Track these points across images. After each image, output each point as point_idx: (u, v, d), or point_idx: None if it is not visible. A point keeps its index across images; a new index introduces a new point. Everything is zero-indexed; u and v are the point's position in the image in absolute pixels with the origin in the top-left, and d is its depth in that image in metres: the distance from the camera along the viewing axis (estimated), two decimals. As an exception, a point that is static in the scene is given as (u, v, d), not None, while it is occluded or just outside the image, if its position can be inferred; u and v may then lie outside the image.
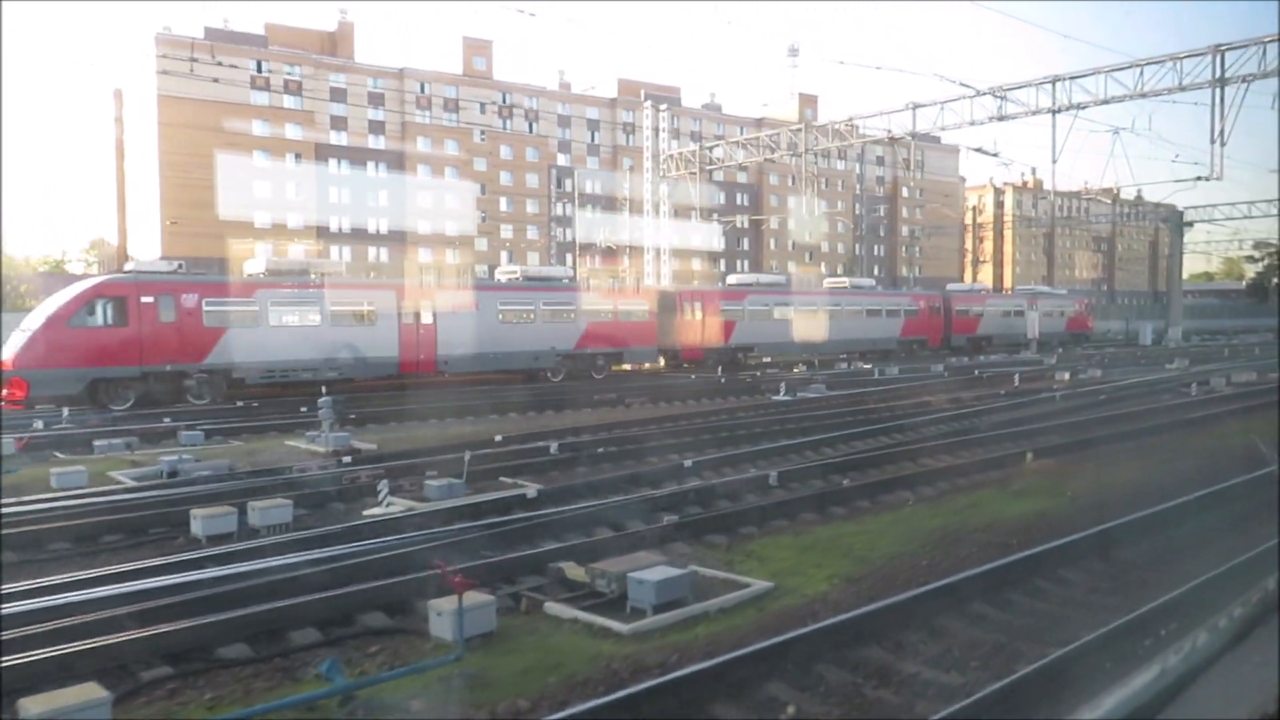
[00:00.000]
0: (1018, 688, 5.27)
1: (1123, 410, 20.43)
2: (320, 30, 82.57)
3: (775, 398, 24.62)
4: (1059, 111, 28.96)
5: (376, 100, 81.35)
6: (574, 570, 8.06)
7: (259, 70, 76.05)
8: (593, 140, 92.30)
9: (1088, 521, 10.15)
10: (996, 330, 47.50)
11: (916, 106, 32.27)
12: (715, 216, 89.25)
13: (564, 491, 11.69)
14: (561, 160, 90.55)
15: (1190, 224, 57.56)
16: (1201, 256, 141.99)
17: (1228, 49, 25.94)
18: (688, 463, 13.30)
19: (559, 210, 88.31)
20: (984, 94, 30.38)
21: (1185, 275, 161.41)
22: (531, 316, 29.45)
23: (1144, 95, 27.51)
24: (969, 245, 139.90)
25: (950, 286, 51.66)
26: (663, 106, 41.69)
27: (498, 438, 16.28)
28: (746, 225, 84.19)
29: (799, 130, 35.37)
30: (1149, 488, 11.93)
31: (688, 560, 8.53)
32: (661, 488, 11.95)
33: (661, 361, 34.41)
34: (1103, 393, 23.97)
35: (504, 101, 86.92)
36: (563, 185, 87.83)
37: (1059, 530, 9.70)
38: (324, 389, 20.52)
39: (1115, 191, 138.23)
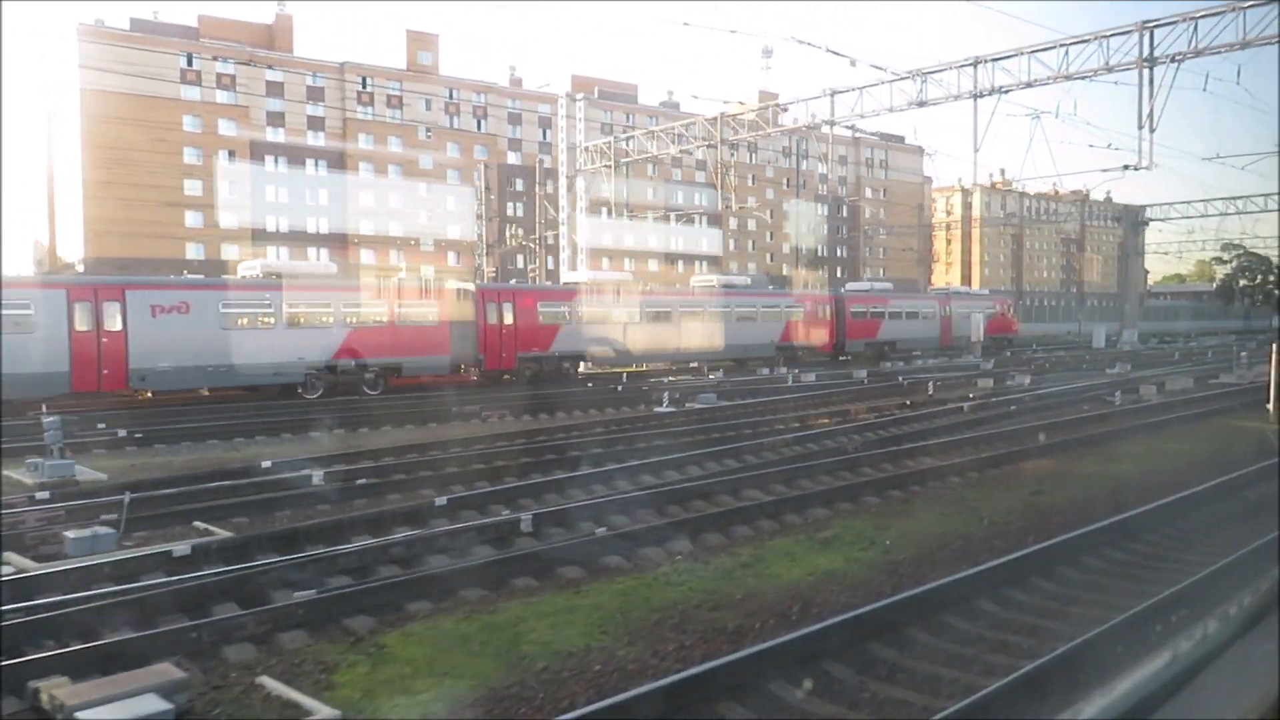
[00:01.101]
0: None
1: (1019, 425, 18.08)
2: (257, 23, 79.62)
3: (659, 410, 22.12)
4: (981, 96, 26.67)
5: (316, 95, 78.46)
6: (60, 690, 5.50)
7: (189, 64, 73.05)
8: (544, 138, 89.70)
9: (881, 587, 7.72)
10: (903, 335, 42.56)
11: (834, 93, 29.92)
12: (670, 216, 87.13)
13: (249, 544, 9.11)
14: (512, 159, 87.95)
15: (1146, 223, 55.65)
16: (1174, 258, 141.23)
17: (1156, 25, 23.71)
18: (441, 500, 10.74)
19: (512, 211, 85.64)
20: (903, 78, 28.07)
21: (1159, 277, 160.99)
22: (270, 321, 24.43)
23: (1069, 77, 25.26)
24: (937, 247, 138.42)
25: (849, 286, 47.41)
26: (578, 97, 39.20)
27: (265, 463, 13.66)
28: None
29: (713, 121, 32.99)
30: (995, 535, 9.52)
31: (285, 659, 6.03)
32: (362, 539, 9.36)
33: (465, 371, 29.24)
34: (1014, 404, 21.63)
35: (451, 98, 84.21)
36: (513, 184, 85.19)
37: (836, 604, 7.26)
38: (44, 406, 17.71)
39: (1085, 193, 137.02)
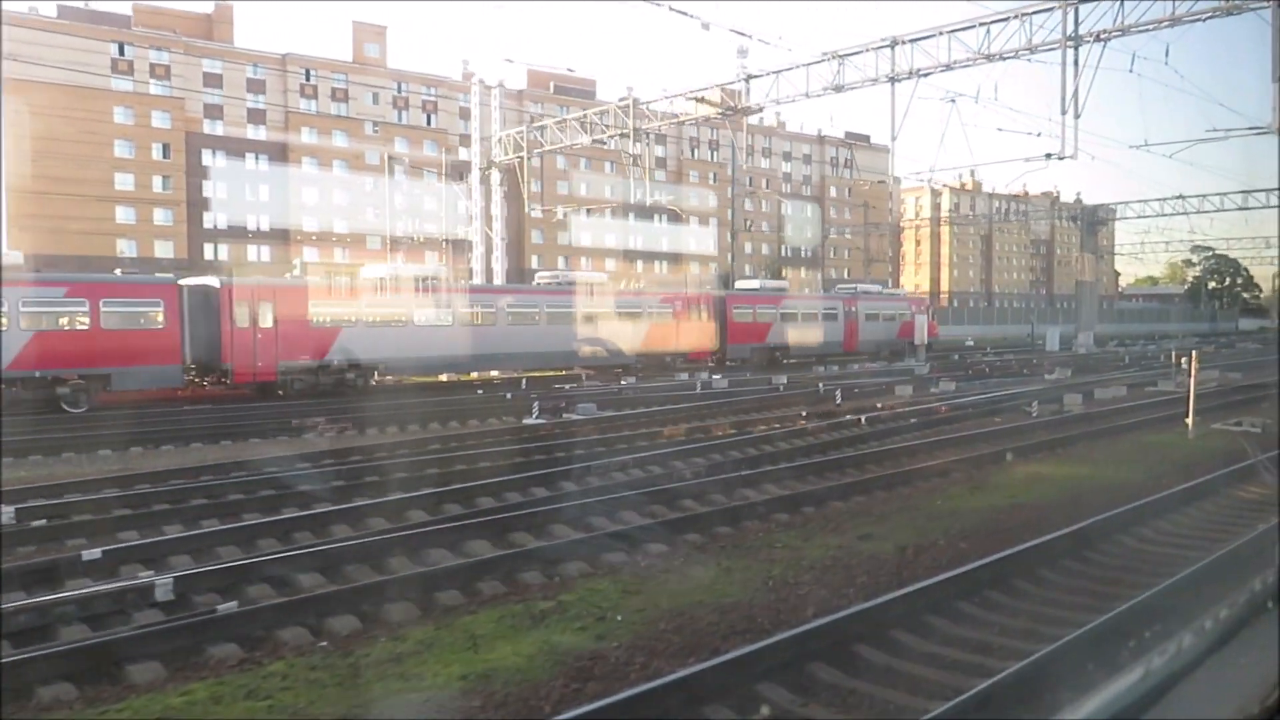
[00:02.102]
0: None
1: (911, 443, 15.94)
2: (196, 13, 76.70)
3: (526, 421, 19.86)
4: (898, 80, 24.56)
5: (256, 88, 75.70)
6: None
7: (121, 53, 70.16)
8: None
9: (538, 707, 5.51)
10: (798, 338, 38.08)
11: (750, 78, 27.78)
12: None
13: None
14: (463, 154, 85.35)
15: (1104, 222, 53.90)
16: (1148, 260, 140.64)
17: (1081, 1, 21.68)
18: (94, 553, 8.43)
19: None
20: (819, 61, 25.94)
21: (1132, 279, 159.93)
22: None
23: (989, 58, 23.19)
24: (906, 248, 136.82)
25: (738, 284, 42.80)
26: (493, 84, 36.88)
27: None
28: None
29: (626, 107, 30.76)
30: (772, 603, 7.32)
31: None
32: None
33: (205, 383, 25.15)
34: (921, 416, 19.51)
35: (399, 91, 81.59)
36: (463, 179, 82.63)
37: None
38: None
39: (1055, 194, 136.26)
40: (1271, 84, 18.69)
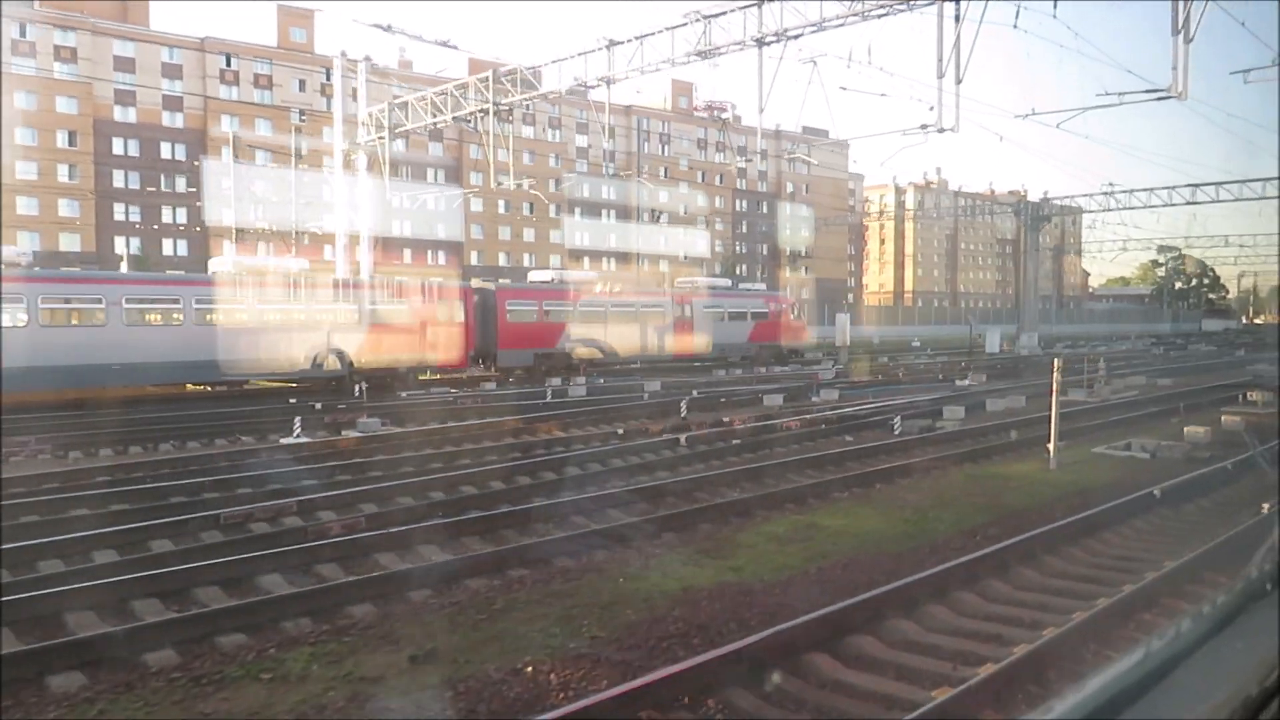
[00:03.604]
0: None
1: (713, 472, 12.64)
2: (110, -7, 72.55)
3: (284, 440, 16.43)
4: (766, 43, 21.29)
5: (173, 72, 71.77)
6: None
7: (23, 35, 66.06)
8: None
9: None
10: (609, 342, 32.15)
11: (613, 44, 24.43)
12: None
13: None
14: (398, 146, 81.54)
15: (1048, 218, 50.95)
16: (1119, 260, 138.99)
17: (960, -54, 18.46)
18: None
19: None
20: (684, 24, 22.62)
21: (1103, 280, 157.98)
22: None
23: (863, 16, 19.95)
24: (869, 245, 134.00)
25: (531, 276, 36.21)
26: (361, 58, 33.44)
27: None
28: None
29: (486, 82, 27.38)
30: None
31: None
32: None
33: None
34: (763, 434, 16.25)
35: (328, 79, 77.69)
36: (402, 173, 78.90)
37: None
38: None
39: (1023, 193, 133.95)
40: (1171, 39, 15.55)
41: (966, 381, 28.35)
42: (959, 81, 18.37)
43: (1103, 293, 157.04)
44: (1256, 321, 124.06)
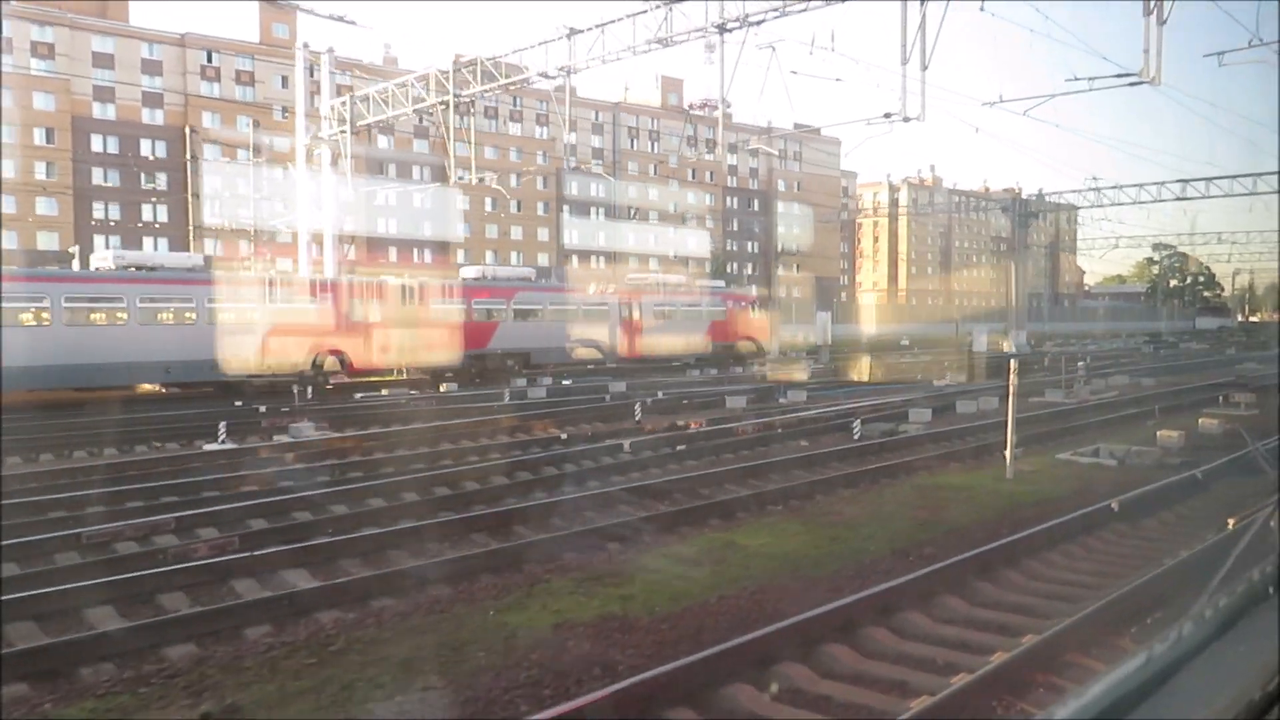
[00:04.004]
0: None
1: (633, 484, 11.74)
2: (89, -12, 71.54)
3: (208, 447, 15.53)
4: (727, 29, 20.41)
5: (153, 69, 70.81)
6: None
7: (-1, 30, 65.03)
8: (420, 122, 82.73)
9: None
10: (548, 342, 29.87)
11: (574, 33, 23.53)
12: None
13: None
14: (383, 143, 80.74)
15: (1036, 215, 50.09)
16: (1115, 259, 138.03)
17: (925, -75, 17.56)
18: None
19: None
20: (644, 10, 21.73)
21: (1100, 279, 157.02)
22: None
23: (826, 0, 19.06)
24: (863, 244, 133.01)
25: (463, 273, 32.90)
26: (323, 50, 32.52)
27: None
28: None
29: (446, 74, 26.46)
30: None
31: None
32: None
33: None
34: (715, 439, 15.38)
35: (311, 76, 76.66)
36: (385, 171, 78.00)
37: None
38: None
39: (1017, 190, 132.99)
40: (1143, 21, 14.66)
41: (945, 381, 27.50)
42: (925, 68, 17.48)
43: (1100, 291, 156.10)
44: (1253, 320, 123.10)
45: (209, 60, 72.83)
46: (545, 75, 24.54)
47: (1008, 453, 11.88)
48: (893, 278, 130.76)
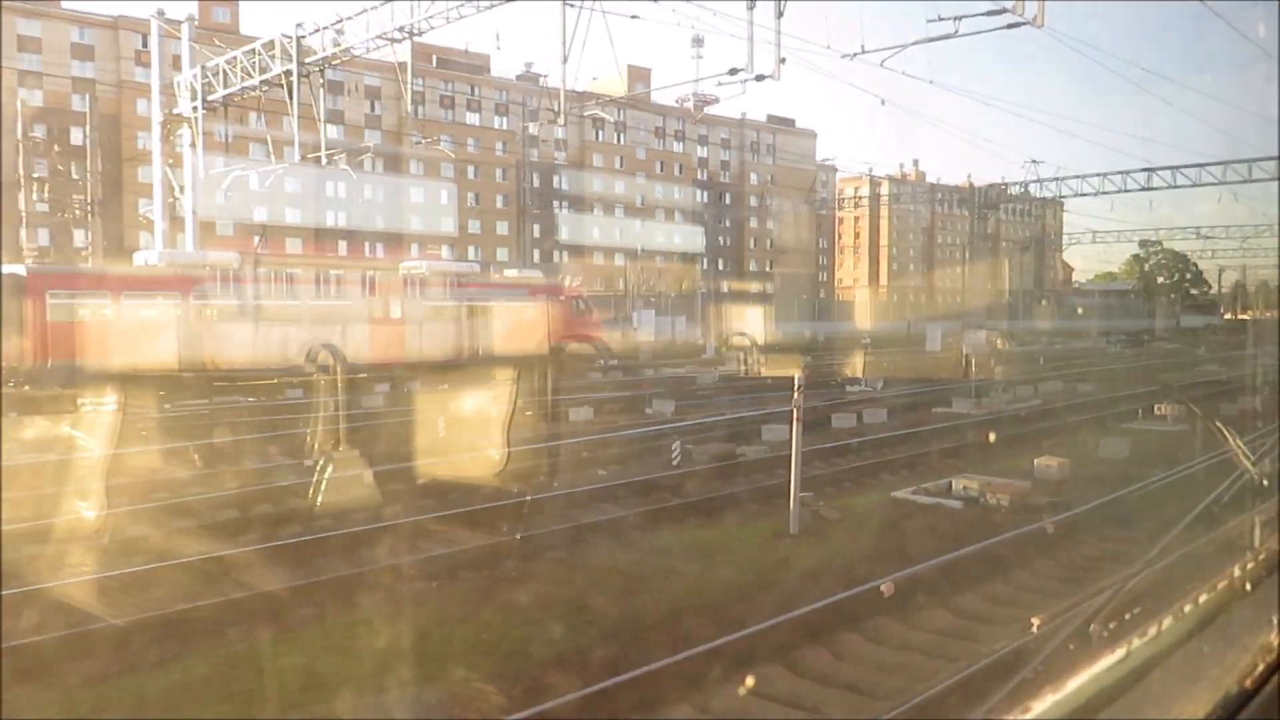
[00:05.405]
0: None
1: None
2: (18, -30, 68.44)
3: None
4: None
5: (83, 54, 67.70)
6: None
7: (-90, 11, 61.95)
8: (372, 110, 79.85)
9: None
10: (256, 347, 22.39)
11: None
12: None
13: None
14: (332, 133, 77.59)
15: (995, 206, 47.04)
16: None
17: None
18: None
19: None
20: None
21: (1090, 275, 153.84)
22: None
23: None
24: (844, 240, 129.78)
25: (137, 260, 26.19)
26: (183, 19, 29.26)
27: None
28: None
29: (291, 41, 23.33)
30: None
31: None
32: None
33: None
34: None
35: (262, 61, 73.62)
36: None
37: None
38: None
39: (1002, 185, 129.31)
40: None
41: (861, 387, 24.49)
42: (780, 15, 14.41)
43: (1091, 287, 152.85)
44: (1242, 318, 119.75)
45: (144, 45, 69.61)
46: (388, 39, 21.43)
47: (791, 501, 8.82)
48: (874, 275, 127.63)
